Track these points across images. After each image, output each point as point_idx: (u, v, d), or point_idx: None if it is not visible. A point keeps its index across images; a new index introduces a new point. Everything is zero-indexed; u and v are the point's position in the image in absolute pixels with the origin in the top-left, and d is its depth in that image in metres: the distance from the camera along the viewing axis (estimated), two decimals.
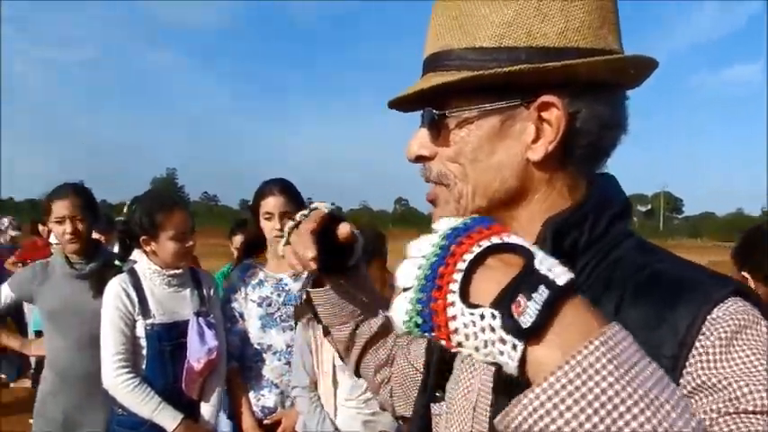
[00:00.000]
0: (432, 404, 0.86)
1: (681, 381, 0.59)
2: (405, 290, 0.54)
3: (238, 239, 3.10)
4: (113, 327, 2.27)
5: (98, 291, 2.43)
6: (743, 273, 1.91)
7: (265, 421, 2.56)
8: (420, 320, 0.52)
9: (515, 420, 0.47)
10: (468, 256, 0.51)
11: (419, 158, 0.77)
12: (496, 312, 0.48)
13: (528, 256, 0.50)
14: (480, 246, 0.52)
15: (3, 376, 6.50)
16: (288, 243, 0.93)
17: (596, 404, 0.44)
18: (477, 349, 0.49)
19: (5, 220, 6.98)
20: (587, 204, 0.72)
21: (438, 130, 0.74)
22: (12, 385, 6.35)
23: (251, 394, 2.58)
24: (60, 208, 2.52)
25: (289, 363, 2.53)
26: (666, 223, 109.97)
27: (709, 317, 0.60)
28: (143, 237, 2.36)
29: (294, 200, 2.58)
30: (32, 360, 5.38)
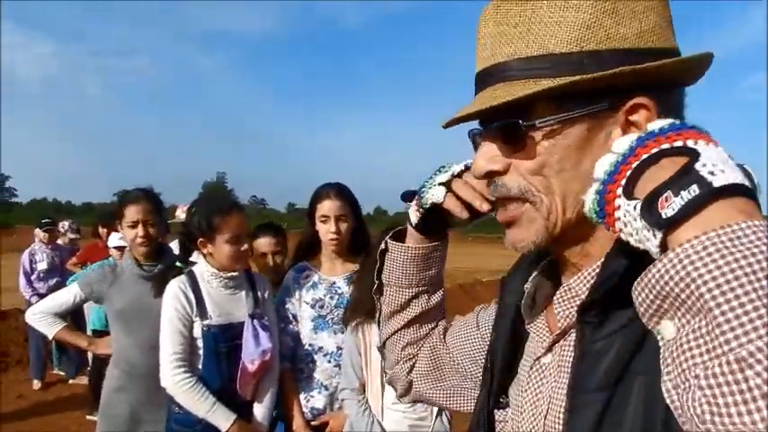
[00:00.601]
0: (496, 410, 0.84)
1: None
2: (597, 181, 0.60)
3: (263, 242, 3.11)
4: (172, 327, 2.32)
5: (159, 291, 2.49)
6: None
7: (313, 423, 2.57)
8: (598, 208, 0.59)
9: (665, 266, 0.49)
10: (645, 156, 0.55)
11: (488, 174, 0.74)
12: (642, 205, 0.52)
13: (693, 157, 0.52)
14: (660, 148, 0.55)
15: (62, 373, 6.75)
16: (450, 191, 0.91)
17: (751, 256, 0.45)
18: (631, 235, 0.55)
19: (66, 223, 7.28)
20: None
21: (518, 142, 0.70)
22: (71, 382, 6.60)
23: (301, 395, 2.60)
24: (133, 212, 2.62)
25: (338, 365, 2.55)
26: None
27: None
28: (200, 239, 2.41)
29: (349, 203, 2.61)
30: (89, 357, 5.57)
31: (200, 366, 2.36)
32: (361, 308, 2.33)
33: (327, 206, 2.56)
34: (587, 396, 0.64)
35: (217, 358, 2.35)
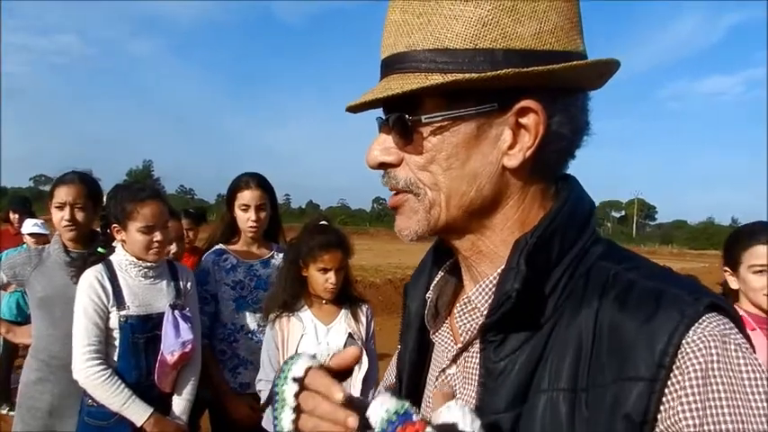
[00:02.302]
0: None
1: (660, 410, 0.59)
2: None
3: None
4: (86, 317, 2.23)
5: (78, 278, 2.37)
6: (725, 268, 2.15)
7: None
8: None
9: None
10: None
11: (381, 165, 0.72)
12: None
13: None
14: None
15: None
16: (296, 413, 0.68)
17: None
18: None
19: None
20: (558, 216, 0.69)
21: (407, 136, 0.69)
22: None
23: (227, 374, 2.72)
24: (63, 194, 2.48)
25: (260, 341, 2.65)
26: (639, 230, 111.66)
27: (683, 341, 0.59)
28: (114, 225, 2.34)
29: (268, 193, 2.81)
30: None
31: (116, 358, 2.27)
32: (277, 300, 2.43)
33: (248, 195, 2.76)
34: (495, 417, 0.66)
35: (134, 349, 2.28)
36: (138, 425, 2.21)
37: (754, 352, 0.62)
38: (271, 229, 2.90)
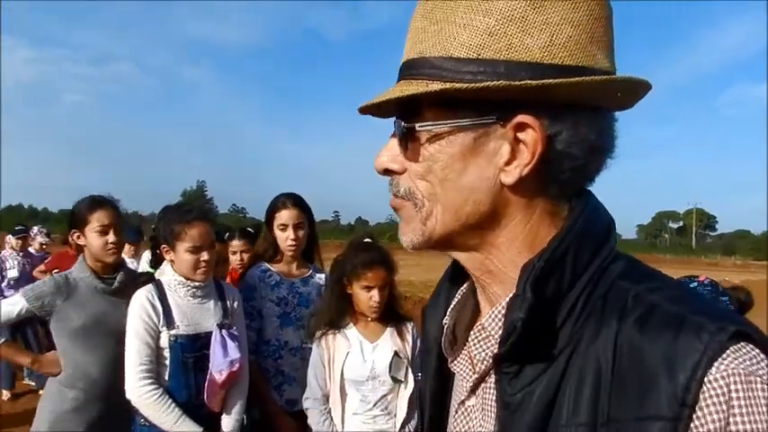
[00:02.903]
0: None
1: None
2: None
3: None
4: (138, 337, 2.27)
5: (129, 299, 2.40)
6: None
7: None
8: None
9: None
10: None
11: (387, 171, 0.71)
12: None
13: None
14: None
15: (33, 383, 6.58)
16: None
17: None
18: None
19: (35, 228, 7.15)
20: (567, 237, 0.65)
21: (407, 143, 0.68)
22: (41, 392, 6.42)
23: (273, 391, 2.75)
24: (103, 217, 2.48)
25: (303, 358, 2.71)
26: (699, 241, 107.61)
27: (706, 379, 0.54)
28: (164, 246, 2.39)
29: (305, 212, 2.88)
30: None
31: (166, 378, 2.30)
32: (323, 318, 2.44)
33: (286, 215, 2.81)
34: None
35: (184, 369, 2.30)
36: None
37: None
38: (308, 248, 2.95)
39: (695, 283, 1.99)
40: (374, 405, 2.34)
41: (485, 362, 0.70)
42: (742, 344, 0.56)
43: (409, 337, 2.44)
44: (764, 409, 0.53)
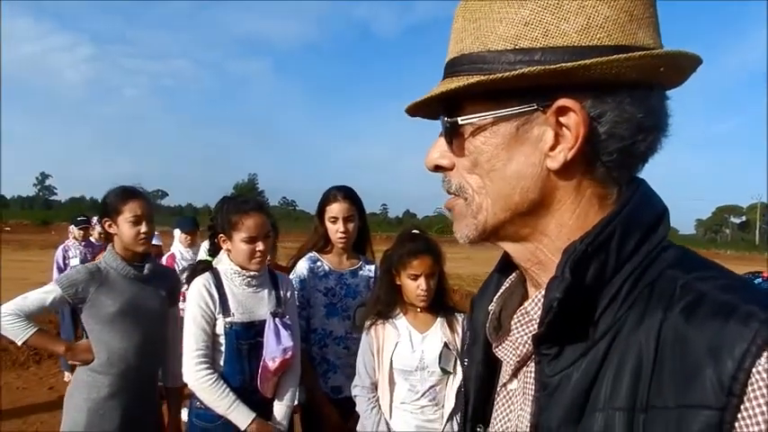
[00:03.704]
0: None
1: None
2: None
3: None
4: (195, 324, 2.35)
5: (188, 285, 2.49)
6: None
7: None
8: None
9: None
10: None
11: (437, 168, 0.73)
12: None
13: None
14: None
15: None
16: None
17: None
18: None
19: (95, 219, 7.41)
20: (613, 221, 0.64)
21: (453, 139, 0.69)
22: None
23: (319, 378, 2.82)
24: (137, 208, 2.51)
25: (347, 347, 2.82)
26: (763, 236, 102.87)
27: (754, 369, 0.52)
28: (221, 235, 2.46)
29: (356, 205, 2.91)
30: None
31: (222, 363, 2.37)
32: (373, 309, 2.46)
33: (336, 208, 2.85)
34: None
35: (238, 355, 2.37)
36: (242, 428, 2.29)
37: None
38: (359, 240, 2.98)
39: (759, 279, 1.91)
40: (422, 395, 2.35)
41: (526, 345, 0.70)
42: None
43: (459, 329, 2.43)
44: None
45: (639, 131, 0.64)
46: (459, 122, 0.67)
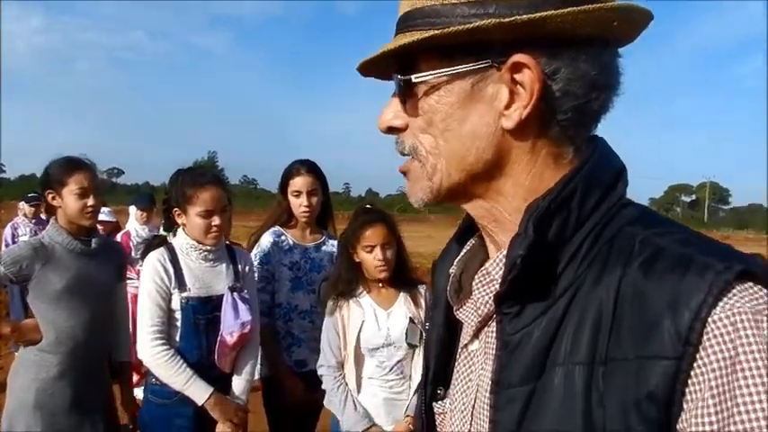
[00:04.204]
0: (433, 402, 0.82)
1: (686, 393, 0.53)
2: None
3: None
4: (150, 299, 2.30)
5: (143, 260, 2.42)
6: None
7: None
8: None
9: None
10: None
11: (391, 129, 0.71)
12: None
13: None
14: None
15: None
16: None
17: None
18: None
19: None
20: (574, 179, 0.64)
21: (407, 97, 0.67)
22: None
23: (283, 352, 2.82)
24: (83, 179, 2.37)
25: (312, 321, 2.81)
26: (712, 215, 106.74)
27: (710, 318, 0.53)
28: (175, 209, 2.40)
29: (319, 179, 2.89)
30: None
31: (177, 339, 2.34)
32: (334, 288, 2.45)
33: (300, 182, 2.83)
34: (510, 391, 0.63)
35: (195, 330, 2.34)
36: (200, 403, 2.27)
37: None
38: (322, 215, 2.97)
39: None
40: (390, 370, 2.38)
41: (487, 305, 0.70)
42: (749, 284, 0.54)
43: (422, 302, 2.45)
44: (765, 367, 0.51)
45: (593, 89, 0.64)
46: (413, 80, 0.65)
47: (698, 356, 0.53)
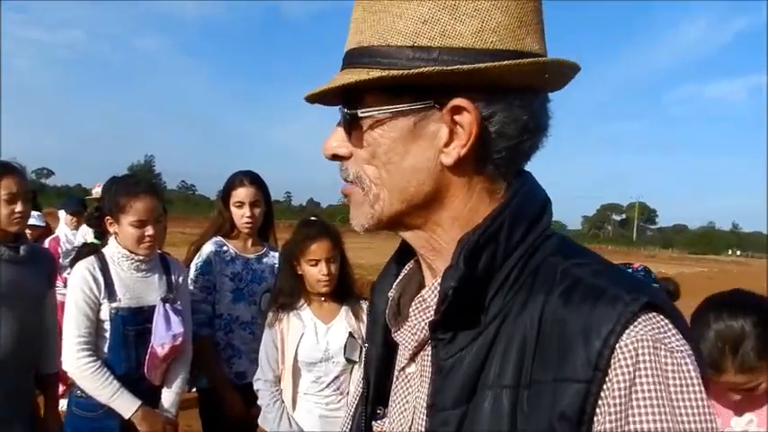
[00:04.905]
0: (373, 421, 0.85)
1: (596, 413, 0.60)
2: None
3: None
4: (78, 309, 2.23)
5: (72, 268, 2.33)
6: None
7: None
8: None
9: None
10: None
11: (335, 157, 0.75)
12: None
13: None
14: None
15: None
16: None
17: None
18: None
19: None
20: (502, 214, 0.69)
21: (352, 129, 0.71)
22: None
23: (224, 364, 2.78)
24: (11, 185, 2.25)
25: (253, 333, 2.78)
26: (640, 234, 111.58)
27: (618, 345, 0.60)
28: (108, 218, 2.34)
29: (262, 190, 2.89)
30: None
31: (105, 350, 2.28)
32: (275, 301, 2.44)
33: (243, 193, 2.82)
34: (444, 414, 0.68)
35: (125, 342, 2.28)
36: (126, 417, 2.22)
37: (695, 353, 0.63)
38: (263, 226, 2.96)
39: (630, 270, 2.06)
40: (327, 386, 2.36)
41: (423, 330, 0.74)
42: (653, 314, 0.62)
43: (364, 317, 2.45)
44: (669, 374, 0.59)
45: (525, 131, 0.70)
46: (359, 115, 0.69)
47: (606, 379, 0.60)
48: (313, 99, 0.75)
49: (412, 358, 0.78)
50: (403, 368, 0.80)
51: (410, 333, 0.77)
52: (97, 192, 4.17)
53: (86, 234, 4.51)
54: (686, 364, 0.60)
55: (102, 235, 2.47)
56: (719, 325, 1.50)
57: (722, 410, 1.63)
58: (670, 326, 0.62)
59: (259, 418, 2.46)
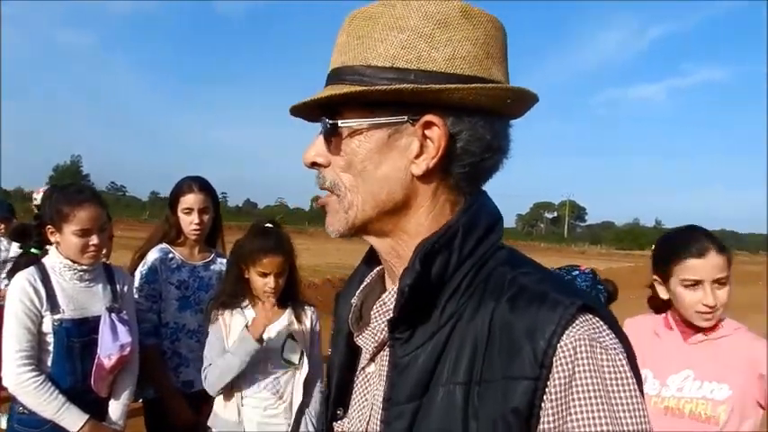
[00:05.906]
0: (334, 422, 0.91)
1: (542, 407, 0.68)
2: None
3: None
4: (18, 322, 2.16)
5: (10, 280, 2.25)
6: (654, 277, 1.98)
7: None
8: None
9: None
10: None
11: (314, 165, 0.82)
12: None
13: None
14: None
15: None
16: None
17: None
18: None
19: None
20: (457, 224, 0.77)
21: (332, 139, 0.78)
22: None
23: (171, 373, 2.74)
24: None
25: (200, 341, 2.71)
26: (571, 231, 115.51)
27: (559, 343, 0.68)
28: (49, 227, 2.28)
29: (211, 196, 2.86)
30: None
31: (49, 364, 2.21)
32: (220, 300, 2.44)
33: (191, 199, 2.78)
34: (399, 408, 0.74)
35: (69, 354, 2.22)
36: None
37: (627, 351, 0.72)
38: (211, 233, 2.93)
39: (577, 272, 2.14)
40: (264, 387, 2.36)
41: (383, 332, 0.81)
42: (589, 316, 0.71)
43: (307, 322, 2.48)
44: (604, 368, 0.68)
45: (487, 150, 0.78)
46: (339, 125, 0.77)
47: (550, 375, 0.68)
48: (295, 112, 0.82)
49: (372, 359, 0.84)
50: (363, 368, 0.86)
51: (371, 335, 0.84)
52: (36, 199, 3.99)
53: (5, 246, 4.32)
54: (620, 360, 0.69)
55: (41, 244, 2.39)
56: (692, 231, 1.90)
57: (661, 370, 1.84)
58: (604, 326, 0.72)
59: (209, 419, 2.43)
